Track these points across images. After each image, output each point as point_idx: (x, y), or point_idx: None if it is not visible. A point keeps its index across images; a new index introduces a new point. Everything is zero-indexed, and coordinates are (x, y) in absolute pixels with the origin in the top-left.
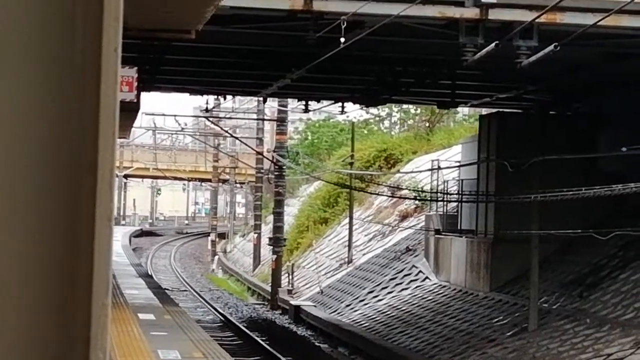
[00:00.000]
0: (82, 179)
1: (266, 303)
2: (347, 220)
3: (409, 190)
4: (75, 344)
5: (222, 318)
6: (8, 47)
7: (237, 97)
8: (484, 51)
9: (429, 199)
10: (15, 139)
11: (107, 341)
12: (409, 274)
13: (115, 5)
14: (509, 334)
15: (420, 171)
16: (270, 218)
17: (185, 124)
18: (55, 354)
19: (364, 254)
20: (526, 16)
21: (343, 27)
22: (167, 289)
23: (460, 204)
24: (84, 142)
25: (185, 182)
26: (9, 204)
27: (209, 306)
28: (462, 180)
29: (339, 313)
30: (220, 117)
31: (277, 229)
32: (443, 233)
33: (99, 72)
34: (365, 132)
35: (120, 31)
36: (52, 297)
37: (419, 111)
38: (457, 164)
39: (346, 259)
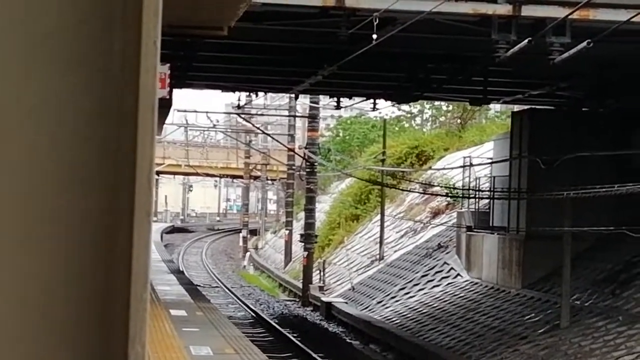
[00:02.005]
0: (121, 173)
1: (297, 300)
2: (378, 217)
3: (441, 187)
4: (115, 338)
5: (253, 314)
6: (46, 40)
7: (269, 94)
8: (516, 48)
9: (461, 195)
10: (54, 134)
11: (146, 335)
12: (441, 271)
13: None
14: (541, 331)
15: (452, 168)
16: (302, 215)
17: (217, 121)
18: (94, 348)
19: (395, 251)
20: (559, 12)
21: (375, 23)
22: (199, 285)
23: (492, 200)
24: (123, 136)
25: (217, 178)
26: (48, 199)
27: (240, 302)
28: (494, 177)
29: (370, 310)
30: (252, 114)
31: (309, 225)
32: (475, 230)
33: (138, 65)
34: (397, 129)
35: (159, 25)
36: (92, 292)
37: (450, 108)
38: (489, 160)
39: (377, 256)
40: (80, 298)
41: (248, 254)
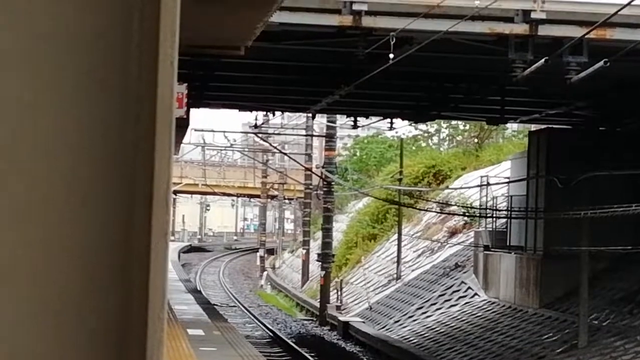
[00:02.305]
0: (138, 192)
1: (315, 319)
2: (395, 236)
3: (458, 206)
4: (132, 358)
5: (270, 334)
6: (65, 60)
7: (286, 113)
8: (533, 67)
9: (478, 215)
10: (72, 154)
11: (163, 356)
12: (458, 290)
13: (171, 19)
14: (558, 350)
15: (469, 187)
16: (319, 234)
17: (234, 140)
18: None
19: (412, 270)
20: (576, 32)
21: (392, 43)
22: (216, 305)
23: (509, 220)
24: (140, 156)
25: (234, 198)
26: (65, 218)
27: (257, 322)
28: (511, 196)
29: (387, 329)
30: (269, 133)
31: (326, 245)
32: (492, 249)
33: (156, 85)
34: (414, 148)
35: (176, 45)
36: (108, 312)
37: (467, 127)
38: (506, 180)
39: (395, 275)
40: (96, 318)
41: (265, 273)
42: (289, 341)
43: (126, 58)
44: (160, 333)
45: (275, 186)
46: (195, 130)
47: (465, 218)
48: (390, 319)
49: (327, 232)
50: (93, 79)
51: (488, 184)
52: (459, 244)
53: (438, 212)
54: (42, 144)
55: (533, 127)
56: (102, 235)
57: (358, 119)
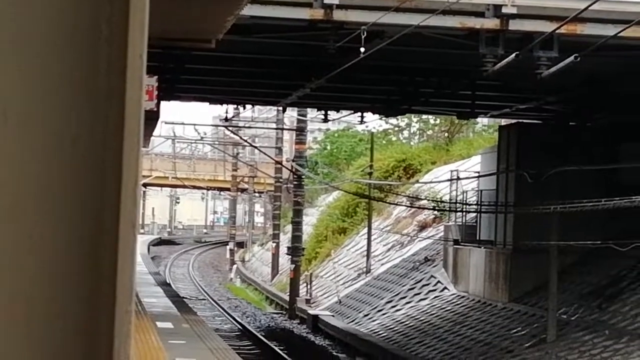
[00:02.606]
0: (106, 185)
1: (284, 312)
2: (365, 230)
3: (428, 200)
4: (99, 352)
5: (240, 327)
6: (32, 53)
7: (257, 107)
8: (504, 62)
9: (448, 209)
10: (38, 146)
11: (131, 349)
12: (428, 284)
13: (141, 11)
14: (527, 344)
15: (440, 181)
16: (289, 227)
17: (205, 133)
18: None
19: (382, 264)
20: (546, 27)
21: (363, 37)
22: (186, 298)
23: (479, 214)
24: (108, 148)
25: (204, 191)
26: (32, 211)
27: (227, 315)
28: (481, 190)
29: (357, 323)
30: (240, 127)
31: (296, 238)
32: (462, 243)
33: (124, 78)
34: (385, 142)
35: (145, 38)
36: (75, 305)
37: (438, 121)
38: (476, 174)
39: (364, 269)
40: (64, 310)
41: (235, 266)
42: (258, 334)
43: (95, 53)
44: (127, 326)
45: (246, 179)
46: (166, 122)
47: (435, 212)
48: (360, 312)
49: (297, 225)
50: (61, 74)
51: (458, 178)
52: (428, 238)
53: (408, 206)
54: (9, 137)
55: (503, 121)
56: (71, 229)
57: (329, 112)
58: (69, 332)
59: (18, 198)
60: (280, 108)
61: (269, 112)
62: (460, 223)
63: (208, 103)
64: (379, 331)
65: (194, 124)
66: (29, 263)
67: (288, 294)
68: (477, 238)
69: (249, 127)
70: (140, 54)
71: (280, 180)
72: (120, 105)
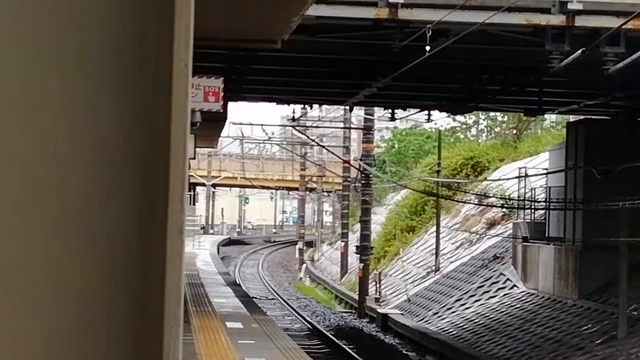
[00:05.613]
0: (154, 191)
1: (353, 311)
2: (434, 228)
3: (496, 198)
4: (149, 353)
5: (309, 326)
6: (81, 63)
7: (324, 106)
8: (570, 58)
9: (517, 206)
10: (90, 157)
11: (179, 353)
12: (497, 282)
13: (186, 21)
14: (598, 342)
15: (508, 179)
16: (358, 226)
17: (273, 133)
18: None
19: (451, 262)
20: (613, 22)
21: (428, 35)
22: (255, 298)
23: (548, 211)
24: (155, 156)
25: (273, 190)
26: (82, 218)
27: (296, 314)
28: (549, 187)
29: (426, 321)
30: (307, 126)
31: (364, 237)
32: (531, 241)
33: (170, 87)
34: (452, 140)
35: (190, 48)
36: (125, 309)
37: (506, 119)
38: (545, 171)
39: (433, 267)
40: (113, 315)
41: (304, 265)
42: (327, 333)
43: (141, 63)
44: (176, 330)
45: (314, 179)
46: (234, 123)
47: (504, 210)
48: (429, 310)
49: (365, 224)
50: (107, 83)
51: (526, 175)
52: (497, 235)
53: (476, 204)
54: (63, 148)
55: (571, 118)
56: (118, 236)
57: (396, 111)
58: (118, 336)
59: (67, 203)
60: (348, 107)
61: (337, 111)
62: (529, 220)
63: (275, 103)
64: (448, 329)
65: (262, 124)
66: (77, 267)
67: (357, 293)
68: (546, 235)
69: (317, 127)
70: (185, 63)
71: (349, 179)
72: (167, 115)
